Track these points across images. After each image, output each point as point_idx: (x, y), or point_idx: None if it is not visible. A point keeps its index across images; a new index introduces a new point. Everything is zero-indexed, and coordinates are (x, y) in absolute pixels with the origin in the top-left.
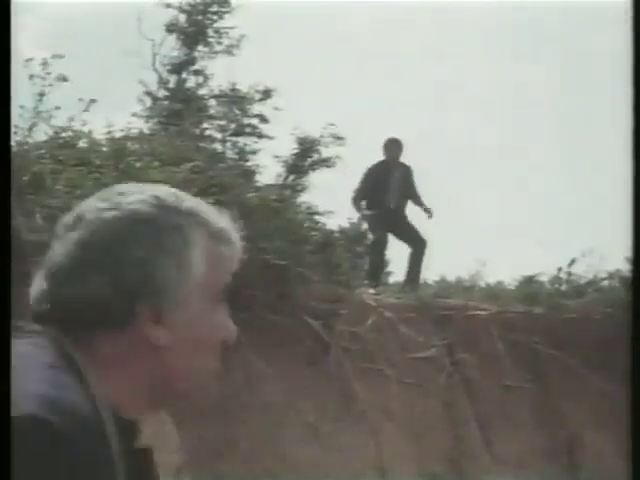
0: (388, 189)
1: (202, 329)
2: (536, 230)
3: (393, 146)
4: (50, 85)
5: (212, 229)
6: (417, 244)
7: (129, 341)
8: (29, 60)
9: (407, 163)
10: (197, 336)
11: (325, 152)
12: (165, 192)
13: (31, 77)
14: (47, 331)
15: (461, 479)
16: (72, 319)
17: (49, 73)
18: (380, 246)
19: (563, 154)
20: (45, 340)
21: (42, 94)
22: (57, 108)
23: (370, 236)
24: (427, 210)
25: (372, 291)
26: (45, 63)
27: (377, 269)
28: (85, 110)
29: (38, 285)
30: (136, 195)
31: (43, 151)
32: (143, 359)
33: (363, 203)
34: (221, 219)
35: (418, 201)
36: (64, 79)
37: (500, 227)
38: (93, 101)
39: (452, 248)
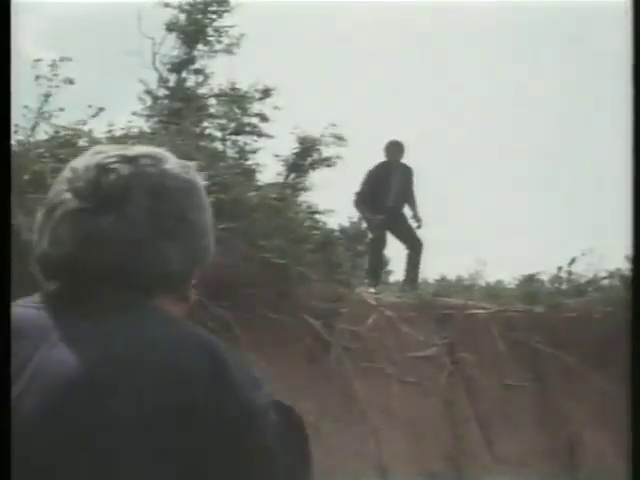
0: (388, 188)
1: None
2: (536, 230)
3: (395, 149)
4: (57, 87)
5: None
6: (414, 245)
7: (175, 299)
8: (37, 60)
9: (409, 165)
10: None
11: (325, 151)
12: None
13: (37, 78)
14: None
15: (461, 478)
16: (138, 287)
17: (56, 75)
18: (378, 245)
19: (563, 154)
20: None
21: (48, 95)
22: (61, 109)
23: (370, 235)
24: (418, 219)
25: (372, 290)
26: (54, 65)
27: (376, 268)
28: (94, 116)
29: (94, 248)
30: (174, 161)
31: (43, 150)
32: (177, 312)
33: (366, 205)
34: None
35: (413, 206)
36: (70, 82)
37: (500, 227)
38: (102, 109)
39: (452, 248)
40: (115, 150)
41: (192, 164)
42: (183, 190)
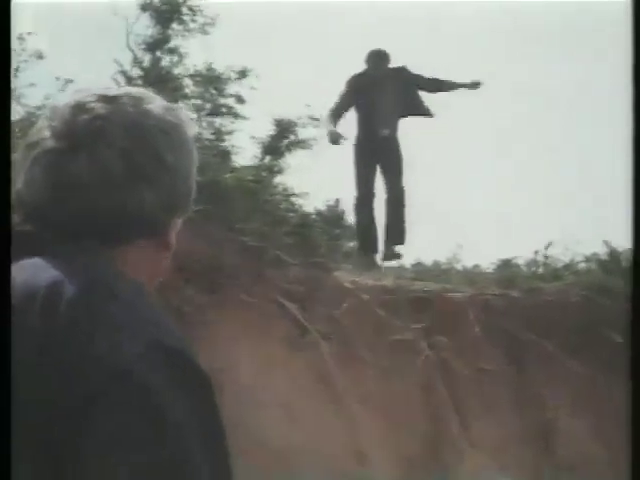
0: (376, 112)
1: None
2: (514, 215)
3: (378, 59)
4: (25, 61)
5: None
6: (393, 190)
7: (155, 246)
8: None
9: (400, 66)
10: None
11: (302, 133)
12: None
13: None
14: (78, 244)
15: (438, 463)
16: (112, 231)
17: (24, 50)
18: (366, 226)
19: (564, 154)
20: (80, 255)
21: (17, 70)
22: (32, 85)
23: (349, 217)
24: (428, 112)
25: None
26: (21, 38)
27: (367, 249)
28: (61, 90)
29: (71, 196)
30: (160, 103)
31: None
32: (158, 261)
33: (340, 120)
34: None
35: (421, 109)
36: (40, 56)
37: (479, 212)
38: (70, 81)
39: (430, 231)
40: (98, 90)
41: (181, 107)
42: (163, 131)
